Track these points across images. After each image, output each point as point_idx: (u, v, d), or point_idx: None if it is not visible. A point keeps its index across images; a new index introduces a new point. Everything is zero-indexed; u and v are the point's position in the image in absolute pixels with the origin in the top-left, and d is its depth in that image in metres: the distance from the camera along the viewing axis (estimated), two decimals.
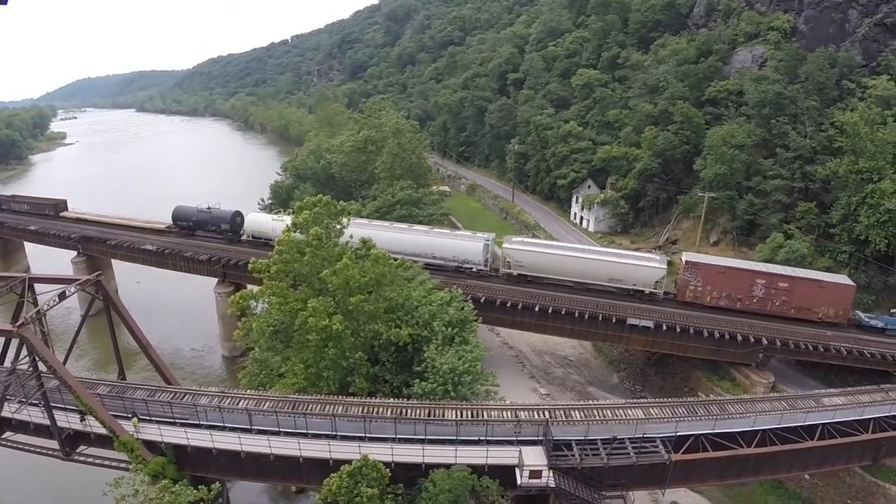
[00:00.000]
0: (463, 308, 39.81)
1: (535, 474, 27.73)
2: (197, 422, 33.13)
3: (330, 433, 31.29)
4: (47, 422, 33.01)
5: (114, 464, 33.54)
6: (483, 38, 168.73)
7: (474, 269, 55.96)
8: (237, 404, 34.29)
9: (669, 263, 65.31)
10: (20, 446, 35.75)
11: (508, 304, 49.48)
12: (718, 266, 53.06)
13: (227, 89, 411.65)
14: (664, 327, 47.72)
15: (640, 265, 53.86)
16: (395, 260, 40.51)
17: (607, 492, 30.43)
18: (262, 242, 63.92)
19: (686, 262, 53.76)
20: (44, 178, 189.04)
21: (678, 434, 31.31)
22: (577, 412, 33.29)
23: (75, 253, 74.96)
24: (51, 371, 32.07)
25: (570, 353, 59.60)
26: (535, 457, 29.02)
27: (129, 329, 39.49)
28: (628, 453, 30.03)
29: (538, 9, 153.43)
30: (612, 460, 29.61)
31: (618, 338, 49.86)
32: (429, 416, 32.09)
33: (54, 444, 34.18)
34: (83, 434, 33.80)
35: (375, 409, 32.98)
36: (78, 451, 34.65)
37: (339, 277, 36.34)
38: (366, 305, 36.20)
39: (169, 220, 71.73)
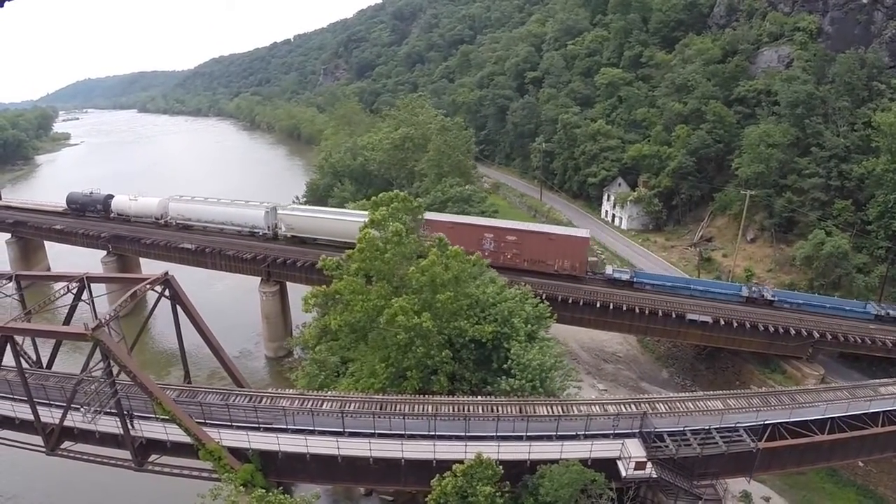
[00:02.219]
0: (538, 305, 41.07)
1: (640, 466, 29.12)
2: (284, 426, 32.19)
3: (429, 433, 31.10)
4: (115, 430, 31.59)
5: (194, 473, 32.63)
6: (496, 36, 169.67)
7: (260, 233, 66.76)
8: (320, 406, 33.71)
9: (708, 259, 67.38)
10: (85, 457, 34.27)
11: (570, 301, 50.86)
12: (447, 222, 56.85)
13: (230, 89, 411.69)
14: (721, 322, 49.36)
15: None
16: (471, 257, 41.00)
17: (698, 481, 31.93)
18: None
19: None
20: (52, 178, 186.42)
21: (759, 423, 32.61)
22: (661, 405, 34.77)
23: (104, 252, 74.88)
24: (129, 376, 30.28)
25: (617, 349, 61.19)
26: (633, 449, 30.38)
27: (199, 330, 37.72)
28: (717, 443, 31.54)
29: (551, 7, 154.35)
30: (704, 450, 31.09)
31: (675, 332, 51.55)
32: (520, 412, 32.70)
33: (124, 453, 32.94)
34: (157, 442, 32.64)
35: (469, 408, 33.22)
36: (150, 460, 33.33)
37: (425, 275, 36.59)
38: (451, 303, 36.65)
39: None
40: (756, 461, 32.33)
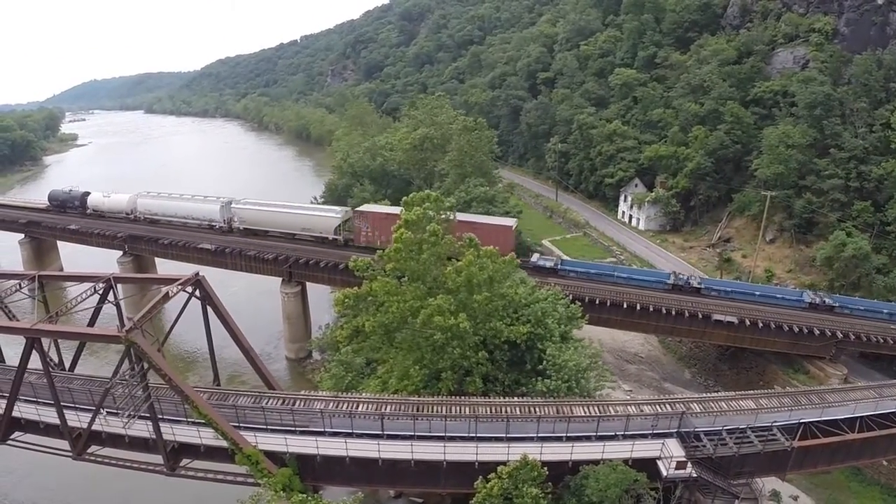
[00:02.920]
0: (569, 306, 41.64)
1: (681, 465, 29.68)
2: (321, 429, 32.02)
3: (471, 435, 31.03)
4: (145, 434, 31.31)
5: (228, 478, 32.52)
6: (506, 37, 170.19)
7: (217, 227, 71.10)
8: (355, 408, 33.63)
9: (728, 260, 67.90)
10: (113, 462, 33.99)
11: (597, 302, 51.44)
12: (381, 213, 60.71)
13: (237, 90, 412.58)
14: (747, 322, 49.90)
15: (321, 215, 66.17)
16: (505, 258, 40.80)
17: (733, 480, 32.50)
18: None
19: (355, 211, 63.88)
20: (61, 179, 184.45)
21: (794, 422, 33.09)
22: (696, 405, 35.35)
23: (119, 253, 75.28)
24: (164, 380, 30.23)
25: (638, 349, 61.71)
26: (672, 448, 30.94)
27: (230, 332, 37.26)
28: (753, 442, 32.14)
29: (562, 8, 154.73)
30: (741, 449, 31.67)
31: (700, 333, 52.17)
32: (558, 413, 33.11)
33: (151, 457, 32.93)
34: (188, 446, 32.46)
35: (509, 409, 33.46)
36: (181, 464, 33.01)
37: (461, 275, 36.76)
38: (487, 304, 36.94)
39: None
40: (790, 460, 32.92)
